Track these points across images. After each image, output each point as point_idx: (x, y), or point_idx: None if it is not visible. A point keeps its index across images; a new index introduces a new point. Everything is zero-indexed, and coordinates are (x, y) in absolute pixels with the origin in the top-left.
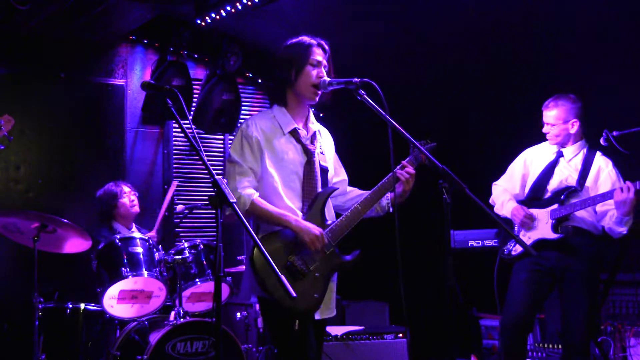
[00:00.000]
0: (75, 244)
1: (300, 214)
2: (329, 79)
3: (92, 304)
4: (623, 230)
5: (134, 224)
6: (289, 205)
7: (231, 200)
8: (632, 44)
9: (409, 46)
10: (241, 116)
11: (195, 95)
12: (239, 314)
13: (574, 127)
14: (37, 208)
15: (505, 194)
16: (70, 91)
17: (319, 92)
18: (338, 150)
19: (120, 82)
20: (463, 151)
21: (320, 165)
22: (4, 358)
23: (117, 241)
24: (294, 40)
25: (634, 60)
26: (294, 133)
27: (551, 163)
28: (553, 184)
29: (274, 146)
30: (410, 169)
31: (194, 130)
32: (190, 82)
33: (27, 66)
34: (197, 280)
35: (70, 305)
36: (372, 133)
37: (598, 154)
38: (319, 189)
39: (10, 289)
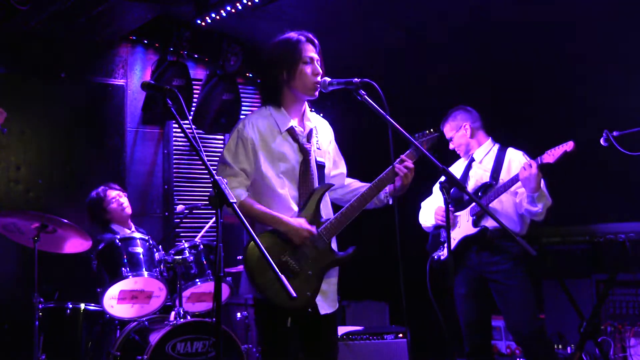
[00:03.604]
0: (75, 244)
1: (295, 211)
2: (329, 79)
3: (92, 304)
4: (538, 209)
5: (132, 224)
6: (285, 206)
7: (231, 201)
8: (633, 44)
9: (409, 46)
10: (241, 116)
11: (195, 95)
12: (239, 314)
13: (468, 131)
14: (37, 208)
15: (430, 208)
16: (70, 91)
17: (318, 88)
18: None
19: (120, 82)
20: None
21: (317, 162)
22: (4, 358)
23: (117, 241)
24: (281, 37)
25: (634, 60)
26: (291, 131)
27: (465, 169)
28: (470, 186)
29: (270, 147)
30: (409, 163)
31: (194, 131)
32: (190, 82)
33: (27, 66)
34: (197, 280)
35: (70, 305)
36: (373, 132)
37: (510, 149)
38: (316, 186)
39: (10, 289)
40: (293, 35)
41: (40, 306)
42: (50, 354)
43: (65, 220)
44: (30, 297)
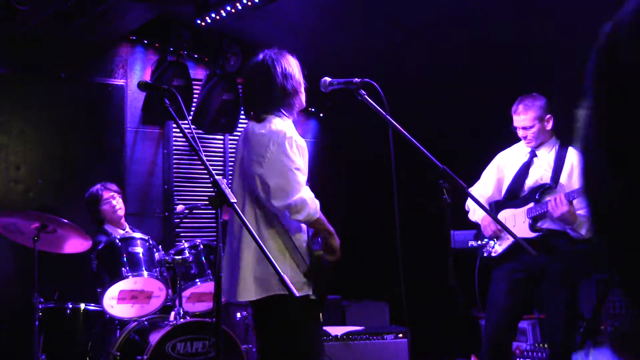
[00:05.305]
0: (75, 244)
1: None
2: (329, 79)
3: (92, 304)
4: (583, 234)
5: (127, 224)
6: (302, 227)
7: (231, 200)
8: None
9: (408, 46)
10: (241, 116)
11: (195, 96)
12: (239, 314)
13: (549, 123)
14: (37, 208)
15: (479, 199)
16: (70, 91)
17: None
18: (337, 150)
19: (120, 82)
20: (463, 151)
21: None
22: (4, 358)
23: (117, 241)
24: (289, 55)
25: None
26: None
27: (525, 164)
28: (529, 184)
29: (306, 160)
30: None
31: (193, 131)
32: (190, 82)
33: (27, 66)
34: (197, 280)
35: (70, 305)
36: (371, 132)
37: (570, 149)
38: None
39: (10, 289)
40: (292, 56)
41: (40, 306)
42: (50, 354)
43: (65, 220)
44: (30, 297)
